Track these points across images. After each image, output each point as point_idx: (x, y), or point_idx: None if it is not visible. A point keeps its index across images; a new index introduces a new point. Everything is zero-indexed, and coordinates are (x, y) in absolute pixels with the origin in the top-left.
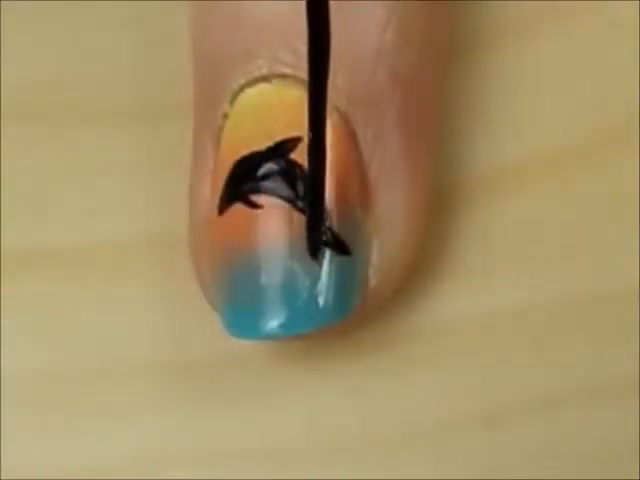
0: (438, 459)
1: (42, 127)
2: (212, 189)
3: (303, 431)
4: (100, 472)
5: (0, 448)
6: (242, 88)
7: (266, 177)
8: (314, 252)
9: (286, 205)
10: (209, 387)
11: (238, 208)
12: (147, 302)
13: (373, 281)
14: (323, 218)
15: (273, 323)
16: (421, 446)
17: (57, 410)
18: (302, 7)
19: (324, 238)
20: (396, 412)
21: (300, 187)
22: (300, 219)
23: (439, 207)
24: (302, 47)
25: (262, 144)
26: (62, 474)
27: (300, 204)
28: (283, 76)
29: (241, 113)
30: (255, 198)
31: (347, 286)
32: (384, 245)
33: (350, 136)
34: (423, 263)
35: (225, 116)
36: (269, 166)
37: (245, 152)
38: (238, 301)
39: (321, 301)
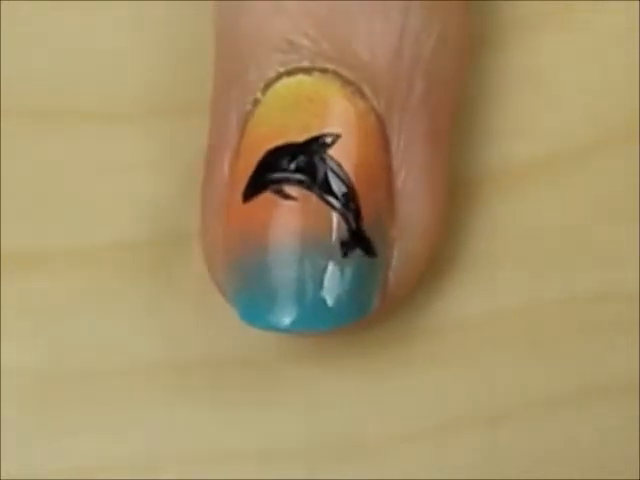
0: (439, 459)
1: (44, 125)
2: (234, 173)
3: (303, 431)
4: (100, 472)
5: (0, 448)
6: (279, 76)
7: (300, 170)
8: (347, 251)
9: (318, 200)
10: (209, 387)
11: (267, 197)
12: (148, 302)
13: (392, 286)
14: (358, 216)
15: (286, 318)
16: (423, 445)
17: (57, 410)
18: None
19: (356, 237)
20: (398, 411)
21: (334, 184)
22: (330, 216)
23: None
24: (347, 44)
25: (298, 136)
26: (62, 474)
27: (333, 201)
28: (324, 70)
29: (277, 101)
30: (287, 189)
31: (368, 287)
32: (404, 252)
33: (384, 140)
34: (444, 264)
35: (256, 102)
36: (304, 159)
37: (279, 142)
38: (253, 289)
39: (338, 300)
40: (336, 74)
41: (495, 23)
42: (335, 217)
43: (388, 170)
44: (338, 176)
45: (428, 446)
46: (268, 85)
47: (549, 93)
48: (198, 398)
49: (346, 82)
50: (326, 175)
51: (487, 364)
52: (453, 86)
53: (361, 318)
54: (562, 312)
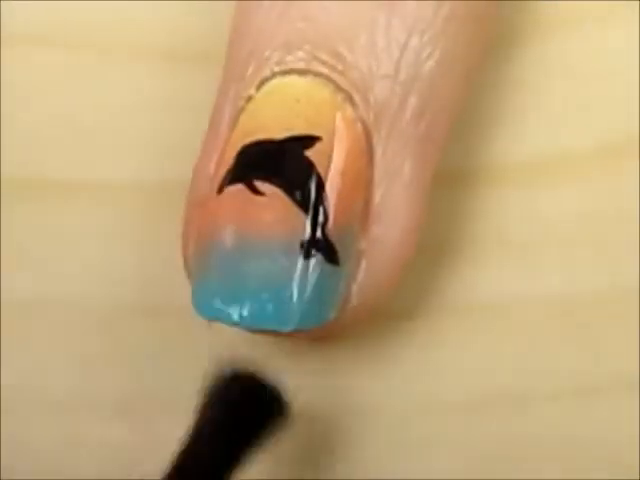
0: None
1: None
2: (217, 166)
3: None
4: None
5: None
6: (274, 75)
7: (276, 167)
8: (307, 253)
9: (288, 199)
10: None
11: (238, 189)
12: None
13: (354, 300)
14: (325, 221)
15: (238, 312)
16: (443, 422)
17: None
18: (353, 11)
19: (319, 242)
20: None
21: (305, 185)
22: (295, 216)
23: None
24: (344, 51)
25: (279, 134)
26: None
27: (301, 202)
28: (318, 74)
29: (265, 98)
30: (259, 185)
31: (326, 296)
32: (371, 266)
33: (368, 152)
34: (463, 243)
35: (249, 99)
36: (279, 157)
37: (258, 137)
38: (211, 280)
39: (290, 302)
40: (329, 79)
41: (523, 21)
42: (300, 218)
43: (367, 182)
44: (310, 178)
45: (447, 423)
46: (262, 82)
47: (565, 93)
48: None
49: (338, 88)
50: (297, 175)
51: (482, 351)
52: (449, 110)
53: (315, 325)
54: (562, 310)
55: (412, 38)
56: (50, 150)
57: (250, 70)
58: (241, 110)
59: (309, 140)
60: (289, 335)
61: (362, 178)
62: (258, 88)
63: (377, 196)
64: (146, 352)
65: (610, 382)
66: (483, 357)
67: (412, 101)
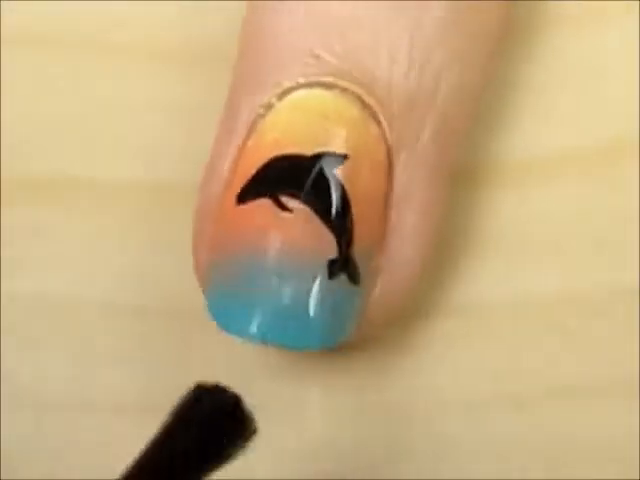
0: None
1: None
2: (235, 173)
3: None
4: None
5: None
6: (298, 87)
7: (302, 183)
8: (332, 273)
9: (314, 217)
10: None
11: (263, 203)
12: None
13: (371, 315)
14: (350, 242)
15: (257, 327)
16: (443, 422)
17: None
18: (378, 27)
19: (344, 263)
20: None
21: (333, 204)
22: (323, 235)
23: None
24: (374, 67)
25: (307, 149)
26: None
27: (328, 221)
28: (345, 90)
29: (292, 111)
30: (285, 200)
31: (345, 315)
32: (387, 284)
33: (389, 172)
34: (462, 245)
35: (270, 106)
36: (308, 173)
37: (287, 150)
38: (229, 292)
39: (309, 322)
40: (356, 96)
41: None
42: (328, 238)
43: (386, 202)
44: (338, 197)
45: (449, 423)
46: (285, 92)
47: (573, 93)
48: None
49: (364, 105)
50: (326, 194)
51: (481, 351)
52: (462, 130)
53: (332, 345)
54: (562, 310)
55: (433, 57)
56: (50, 150)
57: (270, 77)
58: (259, 117)
59: (339, 158)
60: None
61: (382, 198)
62: (280, 98)
63: (394, 216)
64: (147, 352)
65: (609, 382)
66: (482, 357)
67: (430, 123)
